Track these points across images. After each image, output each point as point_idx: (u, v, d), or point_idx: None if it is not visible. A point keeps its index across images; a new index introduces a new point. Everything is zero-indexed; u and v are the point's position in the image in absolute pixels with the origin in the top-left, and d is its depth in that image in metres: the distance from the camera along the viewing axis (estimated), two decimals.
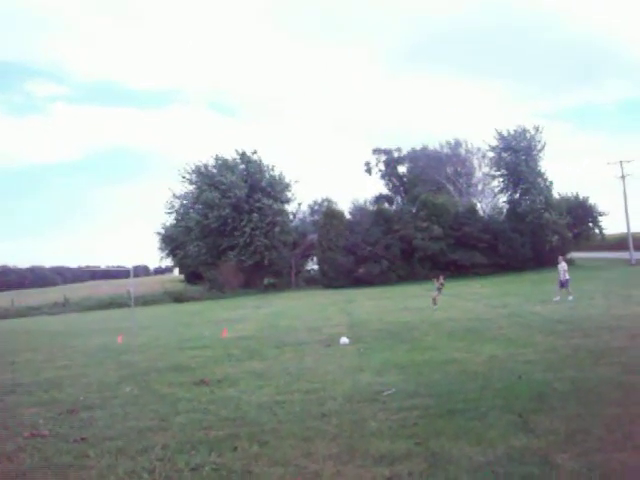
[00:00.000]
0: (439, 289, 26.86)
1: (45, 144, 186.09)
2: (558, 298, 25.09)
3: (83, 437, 8.35)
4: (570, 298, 24.74)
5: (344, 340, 16.80)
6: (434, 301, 25.97)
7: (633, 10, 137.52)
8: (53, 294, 63.99)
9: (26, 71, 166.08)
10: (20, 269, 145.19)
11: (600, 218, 63.15)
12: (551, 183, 58.55)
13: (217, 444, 7.63)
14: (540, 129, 57.99)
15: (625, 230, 57.05)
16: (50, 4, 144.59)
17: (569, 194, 64.06)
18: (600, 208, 63.11)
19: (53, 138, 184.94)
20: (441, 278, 27.66)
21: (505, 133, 58.53)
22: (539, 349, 13.52)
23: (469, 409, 8.48)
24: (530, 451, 6.54)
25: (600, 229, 63.96)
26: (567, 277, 26.12)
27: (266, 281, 61.34)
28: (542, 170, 58.13)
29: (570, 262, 54.26)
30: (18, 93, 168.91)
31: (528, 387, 9.56)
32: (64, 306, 53.18)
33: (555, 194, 60.04)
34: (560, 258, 28.89)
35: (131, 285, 19.08)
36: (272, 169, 59.49)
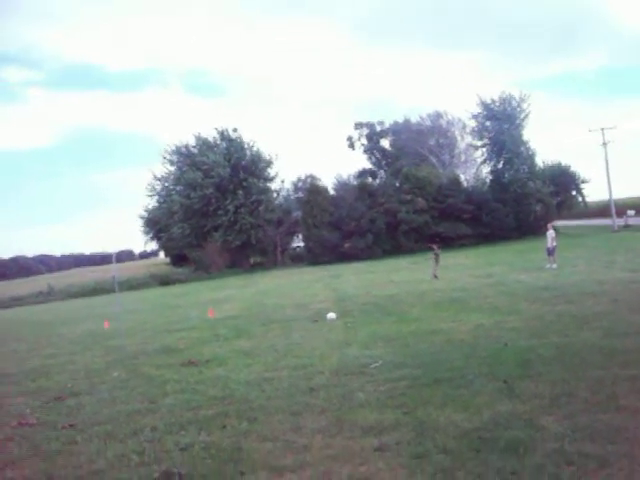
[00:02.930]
0: (436, 259, 26.73)
1: (21, 131, 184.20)
2: (549, 265, 25.22)
3: (71, 423, 8.36)
4: (554, 266, 24.88)
5: (331, 315, 16.84)
6: (435, 276, 25.86)
7: None
8: (37, 283, 63.72)
9: None
10: (2, 259, 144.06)
11: (582, 186, 63.48)
12: (534, 152, 58.58)
13: (206, 423, 7.66)
14: (525, 97, 57.64)
15: (607, 197, 57.31)
16: None
17: (551, 162, 64.25)
18: (582, 176, 63.49)
19: (29, 124, 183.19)
20: (435, 247, 27.56)
21: (488, 101, 58.18)
22: (524, 316, 13.64)
23: (455, 377, 8.55)
24: (516, 416, 6.63)
25: (583, 197, 64.28)
26: (554, 244, 26.25)
27: (252, 260, 61.31)
28: (525, 139, 58.10)
29: (555, 230, 54.77)
30: None
31: (513, 354, 9.66)
32: (49, 295, 52.93)
33: (538, 163, 60.13)
34: (549, 225, 29.07)
35: (115, 270, 18.97)
36: (253, 146, 59.11)
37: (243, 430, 7.22)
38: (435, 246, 27.80)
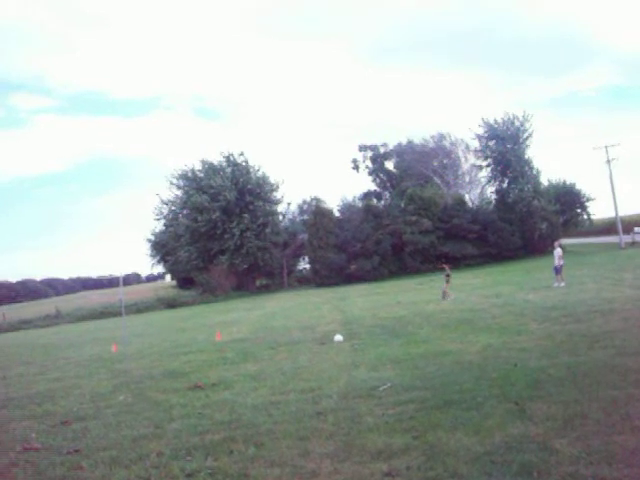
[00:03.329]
0: (447, 280, 26.58)
1: (31, 156, 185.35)
2: (557, 284, 25.07)
3: (77, 449, 8.23)
4: (562, 284, 24.74)
5: (338, 337, 16.73)
6: (444, 294, 25.69)
7: None
8: (45, 306, 63.80)
9: (8, 85, 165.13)
10: (10, 283, 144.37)
11: (588, 203, 63.43)
12: (539, 171, 58.70)
13: (213, 448, 7.54)
14: (528, 117, 58.00)
15: (613, 214, 57.15)
16: (31, 18, 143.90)
17: (556, 181, 64.28)
18: (587, 193, 63.45)
19: (39, 150, 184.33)
20: (447, 268, 27.47)
21: (492, 121, 58.49)
22: (533, 336, 13.50)
23: (465, 400, 8.43)
24: (528, 438, 6.50)
25: (588, 214, 64.22)
26: (561, 263, 26.11)
27: (258, 283, 61.28)
28: (529, 158, 58.22)
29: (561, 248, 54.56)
30: (2, 107, 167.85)
31: (524, 375, 9.52)
32: (56, 318, 52.97)
33: (543, 181, 60.21)
34: (555, 244, 28.92)
35: (122, 293, 18.94)
36: (259, 170, 59.37)
37: (250, 455, 7.10)
38: (446, 266, 27.68)
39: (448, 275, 26.79)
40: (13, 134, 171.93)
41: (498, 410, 7.71)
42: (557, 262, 26.20)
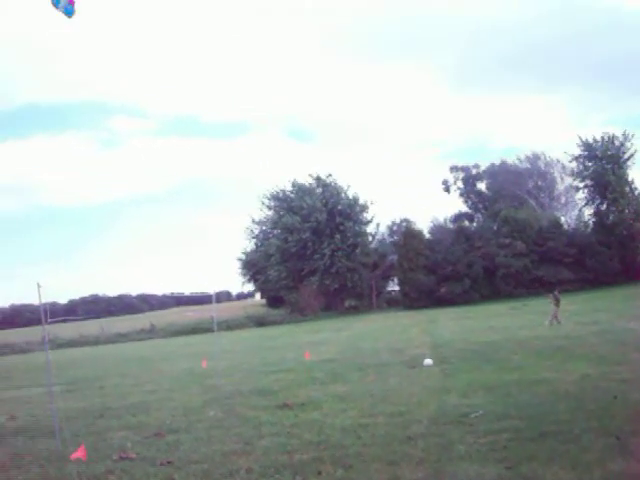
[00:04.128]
0: (556, 304, 25.77)
1: (129, 177, 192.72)
2: None
3: (169, 460, 8.45)
4: None
5: (428, 361, 16.48)
6: (555, 318, 25.09)
7: None
8: (139, 321, 65.84)
9: (109, 108, 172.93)
10: (109, 297, 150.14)
11: None
12: None
13: (301, 468, 7.55)
14: (629, 136, 56.03)
15: None
16: (132, 47, 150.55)
17: None
18: None
19: (137, 171, 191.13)
20: (556, 292, 26.64)
21: (590, 141, 56.78)
22: (635, 367, 12.86)
23: (562, 431, 8.10)
24: (630, 476, 6.19)
25: None
26: None
27: (347, 303, 61.31)
28: (631, 179, 56.13)
29: None
30: (103, 130, 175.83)
31: (624, 407, 9.08)
32: (150, 332, 54.71)
33: None
34: None
35: (214, 310, 19.33)
36: (348, 191, 59.68)
37: (338, 477, 7.07)
38: (556, 291, 26.95)
39: (558, 299, 25.86)
40: (112, 155, 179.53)
41: (597, 444, 7.36)
42: None
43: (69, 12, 10.53)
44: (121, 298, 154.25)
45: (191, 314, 68.18)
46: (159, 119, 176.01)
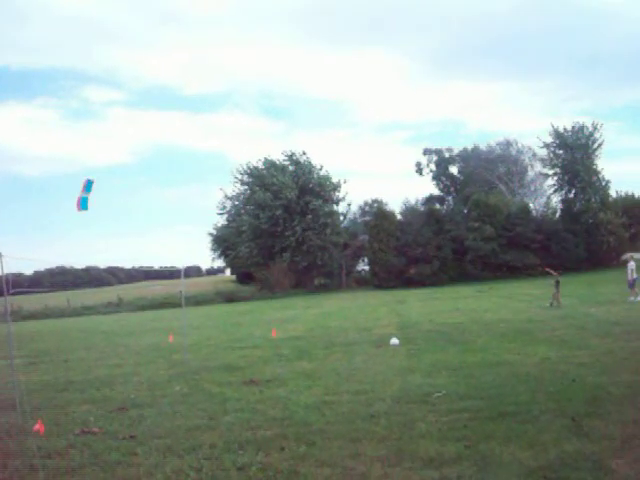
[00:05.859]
0: (557, 285, 25.67)
1: (101, 148, 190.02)
2: (632, 299, 24.43)
3: (132, 435, 8.46)
4: (638, 299, 24.11)
5: (394, 341, 16.66)
6: (556, 300, 25.08)
7: None
8: (107, 294, 65.28)
9: (83, 77, 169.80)
10: (76, 270, 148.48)
11: None
12: (607, 182, 57.23)
13: (264, 444, 7.63)
14: (598, 126, 56.70)
15: None
16: (107, 13, 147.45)
17: (625, 193, 62.43)
18: None
19: (108, 142, 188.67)
20: (555, 274, 26.53)
21: (561, 130, 57.36)
22: (594, 352, 13.16)
23: (521, 412, 8.30)
24: (584, 456, 6.36)
25: None
26: (635, 277, 25.43)
27: (317, 282, 61.43)
28: (599, 168, 56.85)
29: (626, 263, 53.00)
30: (75, 98, 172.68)
31: (582, 390, 9.32)
32: (118, 306, 54.20)
33: (611, 193, 58.65)
34: (628, 256, 28.16)
35: (182, 285, 19.23)
36: (321, 169, 59.53)
37: (301, 453, 7.16)
38: (554, 272, 26.95)
39: (558, 281, 25.81)
40: (85, 125, 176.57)
41: (554, 425, 7.56)
42: (630, 276, 25.55)
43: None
44: (89, 271, 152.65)
45: (159, 288, 67.86)
46: (133, 90, 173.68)
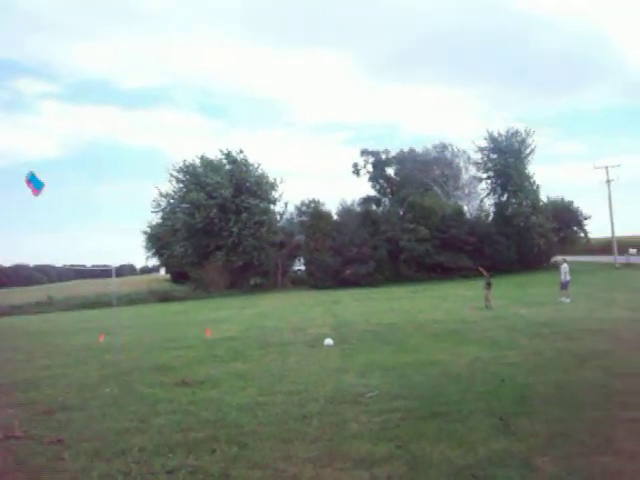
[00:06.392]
0: (488, 287, 26.09)
1: (32, 141, 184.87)
2: (563, 299, 25.22)
3: (59, 439, 8.21)
4: (567, 300, 24.92)
5: (328, 341, 16.73)
6: (487, 301, 25.44)
7: (619, 17, 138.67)
8: (37, 293, 63.46)
9: (16, 69, 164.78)
10: (3, 267, 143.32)
11: (585, 222, 63.54)
12: (538, 187, 58.85)
13: (195, 446, 7.53)
14: (531, 132, 58.24)
15: (610, 234, 57.26)
16: (41, 3, 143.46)
17: (555, 198, 64.34)
18: (585, 212, 63.57)
19: (40, 136, 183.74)
20: (486, 275, 26.93)
21: (496, 134, 58.68)
22: (523, 352, 13.51)
23: (451, 411, 8.43)
24: (511, 454, 6.50)
25: (585, 233, 64.28)
26: (568, 278, 26.26)
27: (252, 282, 61.10)
28: (530, 173, 58.40)
29: (555, 266, 54.62)
30: (8, 90, 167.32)
31: (511, 390, 9.53)
32: (48, 305, 52.73)
33: (542, 197, 60.34)
34: (561, 259, 29.08)
35: (114, 284, 18.87)
36: (258, 168, 59.24)
37: (233, 455, 7.09)
38: (486, 272, 27.35)
39: (489, 283, 26.29)
40: (17, 118, 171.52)
41: (483, 424, 7.71)
42: (563, 278, 26.36)
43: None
44: (17, 269, 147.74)
45: (91, 287, 66.29)
46: (67, 83, 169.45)
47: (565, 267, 26.89)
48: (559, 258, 28.62)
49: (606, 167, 55.73)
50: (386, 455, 6.74)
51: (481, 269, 27.96)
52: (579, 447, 6.62)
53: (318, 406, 9.30)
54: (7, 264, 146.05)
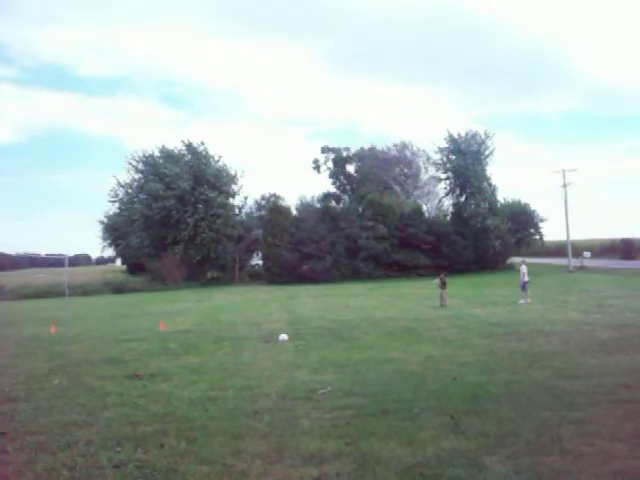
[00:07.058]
0: (442, 286, 26.46)
1: None
2: (523, 300, 25.59)
3: (3, 431, 8.00)
4: (526, 301, 25.32)
5: (283, 337, 16.69)
6: (443, 300, 25.79)
7: (575, 21, 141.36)
8: None
9: None
10: None
11: (540, 224, 64.72)
12: (496, 188, 59.60)
13: (144, 440, 7.42)
14: (490, 134, 58.91)
15: (564, 237, 58.31)
16: None
17: (512, 200, 65.33)
18: (540, 214, 64.75)
19: None
20: (442, 276, 27.28)
21: (455, 136, 59.17)
22: (476, 351, 13.66)
23: (402, 409, 8.46)
24: (460, 453, 6.55)
25: (540, 235, 65.47)
26: (526, 279, 26.70)
27: (209, 275, 60.66)
28: (488, 175, 59.07)
29: (511, 267, 55.45)
30: None
31: (462, 389, 9.62)
32: None
33: (499, 199, 61.14)
34: (520, 261, 29.54)
35: (67, 274, 18.49)
36: (218, 160, 58.82)
37: (181, 450, 7.00)
38: (442, 274, 27.71)
39: (444, 282, 26.65)
40: None
41: (433, 423, 7.76)
42: (523, 279, 26.79)
43: None
44: None
45: (43, 276, 65.00)
46: (24, 66, 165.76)
47: (524, 269, 27.38)
48: (518, 260, 29.05)
49: (563, 171, 56.67)
50: (336, 452, 6.73)
51: (439, 277, 28.11)
52: (527, 447, 6.71)
53: (270, 402, 9.26)
54: None
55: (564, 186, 56.49)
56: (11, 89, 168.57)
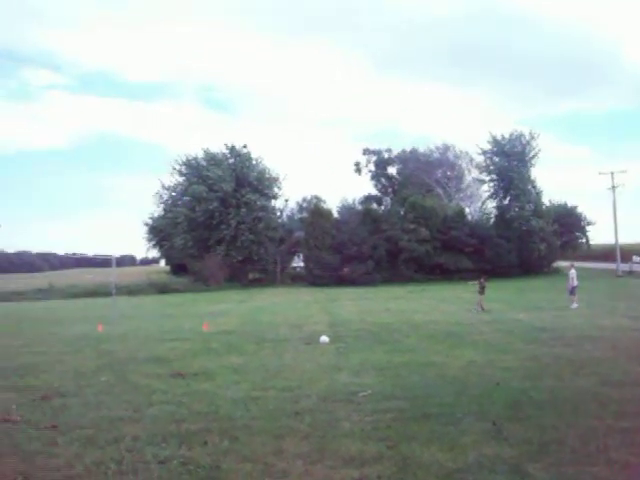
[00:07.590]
0: (481, 291, 26.22)
1: (37, 131, 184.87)
2: (574, 305, 25.19)
3: (54, 424, 8.25)
4: (576, 306, 24.86)
5: (324, 339, 16.73)
6: (480, 306, 25.48)
7: (624, 20, 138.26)
8: (39, 280, 63.54)
9: (23, 58, 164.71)
10: (7, 253, 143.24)
11: (588, 228, 63.51)
12: (541, 191, 58.77)
13: (188, 437, 7.54)
14: (535, 135, 58.11)
15: (612, 241, 57.15)
16: None
17: (558, 202, 64.25)
18: (588, 218, 63.52)
19: (45, 125, 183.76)
20: (482, 280, 26.94)
21: (499, 137, 58.52)
22: (519, 356, 13.48)
23: (444, 414, 8.41)
24: (502, 460, 6.47)
25: (587, 239, 64.24)
26: (576, 284, 26.20)
27: (251, 276, 61.14)
28: (533, 177, 58.30)
29: (557, 271, 54.57)
30: (14, 79, 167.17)
31: (505, 395, 9.51)
32: (49, 292, 52.86)
33: (544, 201, 60.23)
34: (569, 264, 29.10)
35: (114, 274, 18.91)
36: (260, 163, 59.29)
37: (224, 448, 7.10)
38: (482, 278, 27.33)
39: (483, 286, 26.33)
40: (22, 107, 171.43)
41: (475, 428, 7.69)
42: (572, 283, 26.29)
43: None
44: (20, 255, 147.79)
45: (91, 276, 66.29)
46: (73, 73, 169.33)
47: (573, 272, 26.85)
48: (564, 264, 28.61)
49: (611, 173, 55.51)
50: (376, 455, 6.73)
51: (479, 281, 27.65)
52: (571, 455, 6.59)
53: (311, 403, 9.31)
54: (11, 250, 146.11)
55: (612, 188, 55.34)
56: (61, 95, 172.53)
